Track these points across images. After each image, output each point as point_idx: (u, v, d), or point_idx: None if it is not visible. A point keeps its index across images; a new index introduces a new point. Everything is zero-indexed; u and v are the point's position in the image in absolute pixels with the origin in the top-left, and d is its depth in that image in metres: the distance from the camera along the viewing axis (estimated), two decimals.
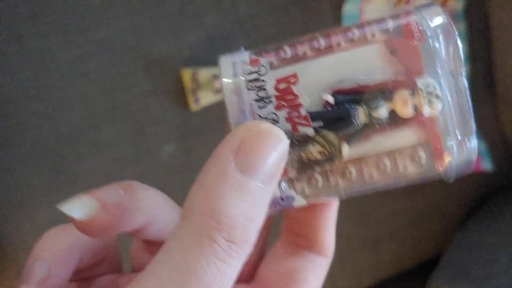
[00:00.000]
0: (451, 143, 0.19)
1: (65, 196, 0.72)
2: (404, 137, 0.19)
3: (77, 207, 0.23)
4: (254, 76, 0.20)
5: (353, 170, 0.20)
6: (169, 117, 0.73)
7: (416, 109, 0.19)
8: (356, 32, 0.19)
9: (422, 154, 0.19)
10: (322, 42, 0.20)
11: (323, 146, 0.19)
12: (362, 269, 0.78)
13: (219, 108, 0.74)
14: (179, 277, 0.17)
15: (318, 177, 0.20)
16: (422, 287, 0.72)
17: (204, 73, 0.72)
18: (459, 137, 0.19)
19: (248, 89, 0.20)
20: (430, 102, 0.19)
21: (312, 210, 0.23)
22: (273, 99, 0.19)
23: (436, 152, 0.19)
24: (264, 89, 0.20)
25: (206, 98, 0.72)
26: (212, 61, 0.74)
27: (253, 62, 0.20)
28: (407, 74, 0.19)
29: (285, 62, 0.20)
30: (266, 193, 0.18)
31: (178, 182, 0.73)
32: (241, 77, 0.20)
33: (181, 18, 0.72)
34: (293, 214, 0.23)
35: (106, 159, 0.72)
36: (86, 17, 0.70)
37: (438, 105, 0.19)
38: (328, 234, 0.25)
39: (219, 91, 0.72)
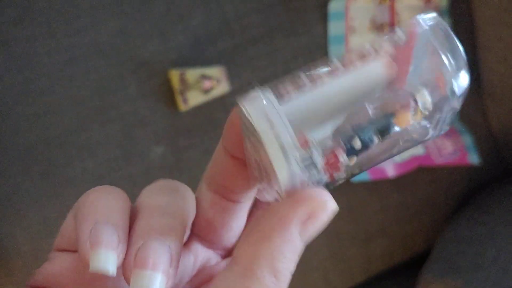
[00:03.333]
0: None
1: (55, 199, 0.71)
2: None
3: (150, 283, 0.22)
4: (308, 162, 0.20)
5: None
6: (158, 118, 0.73)
7: (419, 123, 0.22)
8: (370, 51, 0.21)
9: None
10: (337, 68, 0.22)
11: (347, 173, 0.22)
12: (354, 265, 0.79)
13: (208, 108, 0.74)
14: None
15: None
16: (413, 281, 0.72)
17: (192, 74, 0.72)
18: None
19: (302, 171, 0.20)
20: (424, 114, 0.21)
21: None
22: (321, 169, 0.21)
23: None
24: (316, 168, 0.21)
25: (194, 98, 0.73)
26: (200, 62, 0.74)
27: (303, 145, 0.20)
28: (406, 89, 0.21)
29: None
30: (300, 250, 0.21)
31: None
32: (296, 169, 0.20)
33: (167, 20, 0.72)
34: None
35: (95, 162, 0.72)
36: (73, 20, 0.70)
37: (426, 113, 0.21)
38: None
39: (207, 91, 0.73)
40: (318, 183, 0.21)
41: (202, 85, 0.72)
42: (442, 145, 0.77)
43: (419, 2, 0.77)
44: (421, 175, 0.78)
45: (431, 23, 0.21)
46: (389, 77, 0.21)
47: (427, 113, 0.21)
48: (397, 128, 0.21)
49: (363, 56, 0.21)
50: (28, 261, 0.71)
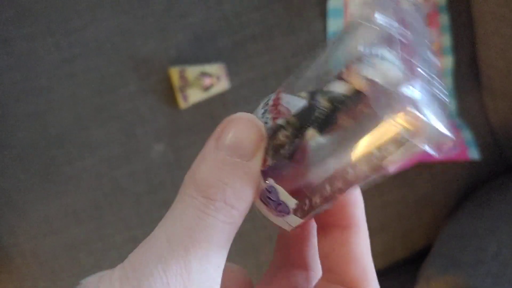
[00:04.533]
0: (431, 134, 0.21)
1: (56, 198, 0.71)
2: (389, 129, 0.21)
3: None
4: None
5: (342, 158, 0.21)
6: (158, 116, 0.73)
7: (365, 77, 0.20)
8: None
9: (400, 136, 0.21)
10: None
11: (287, 130, 0.21)
12: None
13: (208, 105, 0.74)
14: (166, 226, 0.21)
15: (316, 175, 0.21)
16: (414, 277, 0.72)
17: (192, 71, 0.72)
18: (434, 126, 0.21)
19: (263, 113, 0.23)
20: (372, 64, 0.20)
21: (336, 236, 0.24)
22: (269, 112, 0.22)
23: (416, 131, 0.20)
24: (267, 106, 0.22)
25: (194, 96, 0.73)
26: (199, 59, 0.74)
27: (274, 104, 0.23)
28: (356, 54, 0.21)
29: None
30: (246, 167, 0.21)
31: (169, 181, 0.74)
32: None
33: (167, 17, 0.73)
34: (321, 247, 0.25)
35: (96, 160, 0.72)
36: (72, 19, 0.70)
37: (387, 65, 0.20)
38: (359, 263, 0.24)
39: (207, 88, 0.73)
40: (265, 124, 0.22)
41: (202, 82, 0.72)
42: None
43: None
44: (421, 170, 0.78)
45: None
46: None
47: (371, 61, 0.20)
48: (339, 85, 0.20)
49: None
50: (29, 260, 0.71)
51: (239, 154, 0.21)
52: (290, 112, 0.21)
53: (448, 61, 0.78)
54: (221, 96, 0.74)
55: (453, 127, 0.78)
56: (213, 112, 0.75)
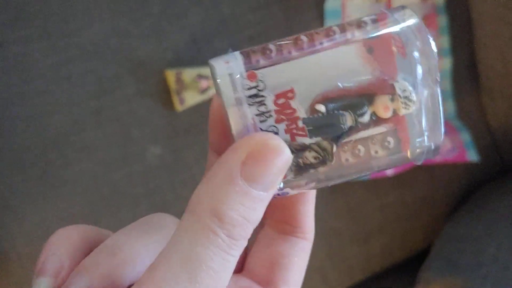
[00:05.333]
0: (419, 137, 0.21)
1: (53, 201, 0.71)
2: (380, 129, 0.21)
3: None
4: (254, 91, 0.21)
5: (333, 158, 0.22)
6: (155, 118, 0.73)
7: (394, 111, 0.21)
8: (337, 33, 0.21)
9: (390, 140, 0.21)
10: (304, 42, 0.21)
11: (317, 152, 0.21)
12: (353, 264, 0.78)
13: (205, 108, 0.74)
14: (189, 263, 0.19)
15: (310, 174, 0.22)
16: (413, 279, 0.72)
17: (188, 73, 0.72)
18: (426, 131, 0.21)
19: (249, 104, 0.21)
20: (406, 105, 0.21)
21: (293, 197, 0.25)
22: (273, 113, 0.21)
23: (403, 139, 0.21)
24: (264, 104, 0.21)
25: (191, 98, 0.72)
26: (196, 61, 0.74)
27: (251, 77, 0.21)
28: (385, 75, 0.20)
29: (275, 61, 0.21)
30: (266, 199, 0.21)
31: (167, 183, 0.73)
32: (242, 94, 0.21)
33: (164, 19, 0.72)
34: (274, 202, 0.24)
35: (93, 163, 0.72)
36: (68, 21, 0.70)
37: (413, 107, 0.21)
38: (308, 218, 0.25)
39: (204, 90, 0.73)
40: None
41: (198, 85, 0.72)
42: None
43: (416, 0, 0.76)
44: (419, 172, 0.77)
45: (407, 20, 0.21)
46: (362, 64, 0.21)
47: (407, 101, 0.21)
48: (368, 113, 0.21)
49: (337, 37, 0.21)
50: (26, 263, 0.71)
51: (265, 187, 0.20)
52: (299, 116, 0.21)
53: (446, 63, 0.78)
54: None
55: (452, 129, 0.78)
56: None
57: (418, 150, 0.21)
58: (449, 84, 0.78)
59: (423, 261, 0.72)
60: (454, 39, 0.76)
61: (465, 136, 0.78)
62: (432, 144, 0.21)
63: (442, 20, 0.77)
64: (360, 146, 0.21)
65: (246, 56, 0.22)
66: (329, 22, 0.76)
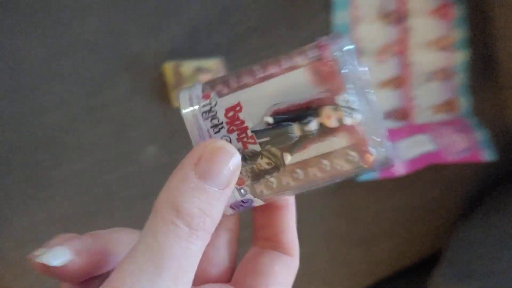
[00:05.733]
0: (372, 145, 0.23)
1: (43, 203, 0.67)
2: (338, 142, 0.24)
3: (54, 255, 0.26)
4: (207, 108, 0.24)
5: (299, 171, 0.24)
6: (152, 116, 0.69)
7: (340, 120, 0.23)
8: (287, 61, 0.24)
9: (353, 154, 0.24)
10: (261, 72, 0.24)
11: (269, 158, 0.24)
12: (358, 269, 0.75)
13: None
14: (153, 253, 0.21)
15: (273, 180, 0.24)
16: (422, 285, 0.69)
17: (187, 66, 0.68)
18: (377, 139, 0.24)
19: (204, 118, 0.24)
20: (350, 114, 0.23)
21: (274, 214, 0.28)
22: (225, 125, 0.24)
23: (362, 152, 0.23)
24: (217, 118, 0.24)
25: None
26: (196, 54, 0.70)
27: (205, 96, 0.24)
28: (330, 92, 0.23)
29: (232, 90, 0.24)
30: (222, 195, 0.23)
31: (163, 184, 0.69)
32: (197, 109, 0.24)
33: (161, 10, 0.67)
34: (259, 221, 0.28)
35: (85, 163, 0.68)
36: (60, 12, 0.65)
37: (357, 116, 0.23)
38: (289, 234, 0.28)
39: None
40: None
41: (198, 78, 0.68)
42: (454, 141, 0.73)
43: None
44: (429, 173, 0.73)
45: (350, 47, 0.24)
46: (310, 84, 0.24)
47: (348, 110, 0.23)
48: (315, 123, 0.23)
49: (287, 67, 0.24)
50: (14, 268, 0.68)
51: (217, 184, 0.23)
52: (249, 128, 0.24)
53: (461, 56, 0.73)
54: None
55: (466, 127, 0.73)
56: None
57: (375, 159, 0.24)
58: (464, 79, 0.73)
59: (432, 267, 0.69)
60: (471, 32, 0.71)
61: (481, 134, 0.74)
62: (386, 152, 0.24)
63: (459, 10, 0.72)
64: (325, 161, 0.24)
65: (205, 84, 0.25)
66: (337, 12, 0.71)
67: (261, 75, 0.24)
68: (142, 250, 0.21)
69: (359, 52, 0.73)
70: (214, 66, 0.68)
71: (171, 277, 0.21)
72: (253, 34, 0.71)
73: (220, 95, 0.24)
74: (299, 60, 0.24)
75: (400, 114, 0.73)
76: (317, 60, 0.23)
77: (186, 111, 0.25)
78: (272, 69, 0.24)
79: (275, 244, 0.28)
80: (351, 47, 0.23)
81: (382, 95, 0.73)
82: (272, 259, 0.27)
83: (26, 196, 0.67)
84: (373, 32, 0.72)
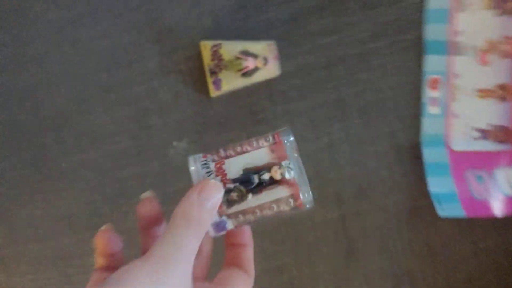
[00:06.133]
0: (303, 193, 0.38)
1: (45, 198, 0.55)
2: (282, 191, 0.38)
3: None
4: (204, 162, 0.39)
5: (258, 211, 0.38)
6: (181, 103, 0.56)
7: (282, 174, 0.38)
8: (256, 142, 0.39)
9: (291, 200, 0.38)
10: (238, 148, 0.39)
11: (238, 193, 0.38)
12: None
13: (247, 96, 0.56)
14: (168, 246, 0.33)
15: (241, 215, 0.38)
16: None
17: (230, 48, 0.54)
18: (304, 188, 0.38)
19: (202, 168, 0.38)
20: (288, 171, 0.38)
21: (241, 247, 0.41)
22: (214, 172, 0.38)
23: (296, 198, 0.38)
24: (209, 168, 0.38)
25: (230, 81, 0.55)
26: (242, 33, 0.56)
27: (204, 157, 0.39)
28: (278, 159, 0.38)
29: (221, 158, 0.39)
30: (211, 211, 0.36)
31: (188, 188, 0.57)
32: (198, 164, 0.39)
33: None
34: (230, 253, 0.41)
35: (97, 154, 0.56)
36: None
37: (291, 173, 0.38)
38: (249, 261, 0.41)
39: (247, 73, 0.54)
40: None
41: (242, 64, 0.54)
42: None
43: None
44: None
45: (290, 138, 0.39)
46: (267, 155, 0.39)
47: (288, 169, 0.38)
48: (267, 175, 0.38)
49: (255, 146, 0.39)
50: (9, 266, 0.58)
51: (210, 204, 0.36)
52: (228, 175, 0.38)
53: None
54: (266, 85, 0.56)
55: None
56: (254, 105, 0.56)
57: (305, 202, 0.38)
58: None
59: None
60: None
61: None
62: (310, 196, 0.38)
63: None
64: (273, 205, 0.38)
65: (205, 153, 0.39)
66: (431, 26, 0.56)
67: (239, 150, 0.39)
68: (168, 237, 0.34)
69: (457, 48, 0.56)
70: (263, 50, 0.54)
71: (184, 254, 0.33)
72: (318, 13, 0.56)
73: (213, 160, 0.39)
74: (263, 143, 0.39)
75: (503, 134, 0.56)
76: (273, 144, 0.39)
77: (192, 167, 0.38)
78: (246, 147, 0.39)
79: (239, 267, 0.40)
80: (292, 138, 0.39)
81: (481, 106, 0.56)
82: (234, 274, 0.40)
83: (27, 186, 0.57)
84: (479, 23, 0.55)
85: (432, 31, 0.56)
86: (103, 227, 0.38)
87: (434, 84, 0.58)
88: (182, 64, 0.56)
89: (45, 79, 0.55)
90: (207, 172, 0.38)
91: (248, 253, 0.41)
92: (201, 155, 0.38)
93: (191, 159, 0.38)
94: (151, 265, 0.31)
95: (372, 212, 0.58)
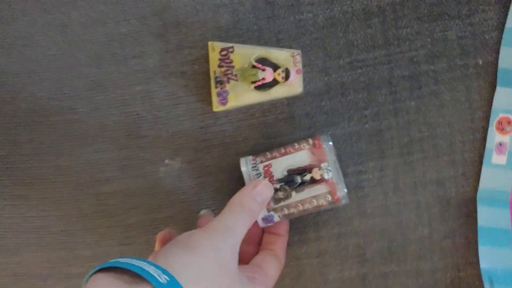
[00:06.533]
0: (339, 191, 0.44)
1: (14, 202, 0.45)
2: (321, 189, 0.43)
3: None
4: (254, 165, 0.45)
5: (300, 205, 0.44)
6: (180, 113, 0.47)
7: (321, 175, 0.43)
8: (297, 145, 0.44)
9: (329, 196, 0.43)
10: (282, 150, 0.45)
11: (283, 192, 0.44)
12: None
13: (260, 113, 0.46)
14: (229, 220, 0.40)
15: (285, 209, 0.44)
16: None
17: (243, 52, 0.43)
18: (340, 186, 0.44)
19: (252, 170, 0.44)
20: (327, 172, 0.43)
21: (277, 237, 0.47)
22: (262, 174, 0.44)
23: (333, 195, 0.43)
24: (258, 170, 0.44)
25: (238, 95, 0.44)
26: (262, 37, 0.45)
27: (253, 160, 0.45)
28: (318, 162, 0.43)
29: (267, 159, 0.45)
30: (261, 204, 0.43)
31: (179, 214, 0.47)
32: (249, 166, 0.45)
33: None
34: (267, 239, 0.47)
35: (76, 163, 0.48)
36: None
37: (330, 174, 0.43)
38: (283, 248, 0.47)
39: (262, 87, 0.43)
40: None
41: (257, 75, 0.43)
42: None
43: None
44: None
45: (329, 143, 0.44)
46: (308, 157, 0.44)
47: (327, 170, 0.43)
48: (308, 176, 0.44)
49: (297, 148, 0.44)
50: None
51: (261, 199, 0.42)
52: (274, 177, 0.44)
53: None
54: (286, 103, 0.45)
55: None
56: (268, 127, 0.46)
57: (341, 198, 0.43)
58: None
59: None
60: None
61: None
62: (345, 193, 0.44)
63: None
64: (313, 200, 0.44)
65: (254, 156, 0.46)
66: (506, 50, 0.43)
67: (282, 151, 0.45)
68: (224, 218, 0.40)
69: None
70: (285, 61, 0.43)
71: (235, 233, 0.40)
72: (357, 20, 0.44)
73: (261, 161, 0.45)
74: (304, 145, 0.44)
75: None
76: (313, 146, 0.44)
77: (243, 167, 0.44)
78: (289, 149, 0.45)
79: (273, 252, 0.46)
80: (331, 143, 0.44)
81: None
82: (271, 257, 0.45)
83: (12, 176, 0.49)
84: None
85: (509, 57, 0.44)
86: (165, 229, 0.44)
87: (505, 126, 0.45)
88: (187, 65, 0.46)
89: (26, 66, 0.47)
90: (257, 174, 0.44)
91: (283, 243, 0.47)
92: (251, 157, 0.45)
93: (242, 161, 0.45)
94: (209, 233, 0.38)
95: (401, 277, 0.47)
